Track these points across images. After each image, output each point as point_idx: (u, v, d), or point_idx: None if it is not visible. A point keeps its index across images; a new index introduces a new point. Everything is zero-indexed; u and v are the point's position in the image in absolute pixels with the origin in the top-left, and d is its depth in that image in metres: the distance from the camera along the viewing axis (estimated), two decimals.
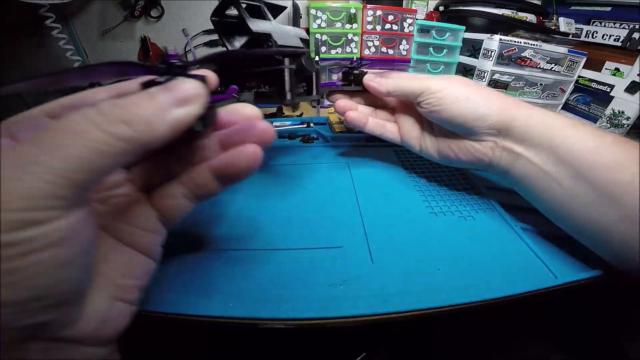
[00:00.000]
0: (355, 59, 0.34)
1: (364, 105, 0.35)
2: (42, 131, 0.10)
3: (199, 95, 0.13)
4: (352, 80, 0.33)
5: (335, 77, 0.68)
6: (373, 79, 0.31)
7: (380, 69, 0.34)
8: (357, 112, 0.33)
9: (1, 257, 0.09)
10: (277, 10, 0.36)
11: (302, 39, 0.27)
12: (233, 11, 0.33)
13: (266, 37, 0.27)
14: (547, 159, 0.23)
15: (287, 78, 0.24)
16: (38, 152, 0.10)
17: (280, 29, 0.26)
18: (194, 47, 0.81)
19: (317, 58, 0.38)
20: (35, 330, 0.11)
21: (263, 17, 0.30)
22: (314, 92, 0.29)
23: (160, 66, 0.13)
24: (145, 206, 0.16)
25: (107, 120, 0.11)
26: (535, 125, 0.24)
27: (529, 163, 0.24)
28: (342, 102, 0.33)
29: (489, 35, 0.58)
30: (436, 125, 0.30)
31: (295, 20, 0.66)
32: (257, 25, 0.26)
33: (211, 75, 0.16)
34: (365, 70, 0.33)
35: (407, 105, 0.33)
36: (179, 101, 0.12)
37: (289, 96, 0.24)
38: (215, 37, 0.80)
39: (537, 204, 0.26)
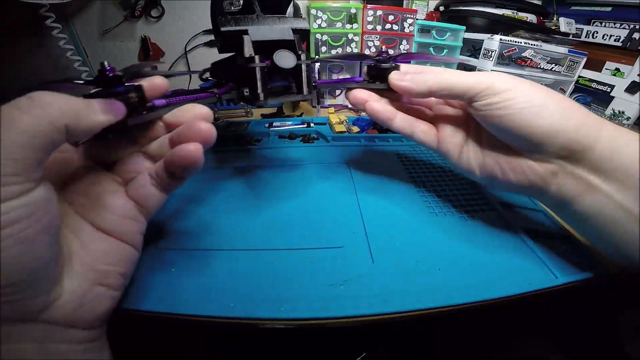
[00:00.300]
0: (383, 51, 0.27)
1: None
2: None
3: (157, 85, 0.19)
4: (377, 77, 0.27)
5: (335, 76, 0.68)
6: (403, 77, 0.25)
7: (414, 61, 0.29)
8: (382, 103, 0.27)
9: None
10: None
11: (295, 30, 0.24)
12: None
13: (239, 34, 0.23)
14: (637, 199, 0.18)
15: (258, 77, 0.22)
16: None
17: (263, 23, 0.24)
18: (195, 47, 0.81)
19: (317, 66, 0.36)
20: (15, 312, 0.13)
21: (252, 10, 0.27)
22: (304, 91, 0.25)
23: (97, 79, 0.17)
24: (123, 196, 0.19)
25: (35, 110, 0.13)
26: (625, 153, 0.19)
27: (606, 198, 0.19)
28: (360, 92, 0.27)
29: (489, 35, 0.58)
30: (488, 133, 0.24)
31: None
32: (228, 23, 0.23)
33: (157, 82, 0.19)
34: (397, 63, 0.27)
35: (450, 107, 0.28)
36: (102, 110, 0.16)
37: (261, 97, 0.22)
38: None
39: (605, 243, 0.22)
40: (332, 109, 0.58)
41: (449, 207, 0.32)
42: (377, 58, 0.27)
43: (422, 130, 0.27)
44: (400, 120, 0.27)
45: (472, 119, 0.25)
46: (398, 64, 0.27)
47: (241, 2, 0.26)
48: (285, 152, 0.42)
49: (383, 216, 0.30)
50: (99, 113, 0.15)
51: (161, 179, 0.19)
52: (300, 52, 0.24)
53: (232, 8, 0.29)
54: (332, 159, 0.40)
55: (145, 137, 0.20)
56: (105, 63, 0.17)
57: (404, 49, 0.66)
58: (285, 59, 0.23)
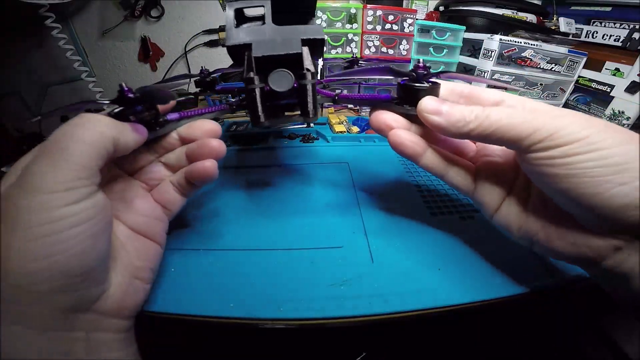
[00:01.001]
0: (422, 65, 0.21)
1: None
2: (56, 142, 0.15)
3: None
4: (407, 99, 0.21)
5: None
6: (438, 110, 0.19)
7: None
8: (409, 134, 0.21)
9: (59, 229, 0.14)
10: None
11: (306, 40, 0.21)
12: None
13: (244, 48, 0.21)
14: None
15: (257, 99, 0.21)
16: (58, 155, 0.14)
17: (271, 33, 0.21)
18: (194, 47, 0.81)
19: (320, 64, 0.32)
20: (76, 301, 0.15)
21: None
22: (310, 113, 0.22)
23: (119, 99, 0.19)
24: (151, 200, 0.22)
25: (92, 127, 0.16)
26: None
27: None
28: (384, 114, 0.22)
29: (489, 35, 0.58)
30: (538, 191, 0.19)
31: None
32: (237, 36, 0.21)
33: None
34: (435, 82, 0.21)
35: (495, 149, 0.22)
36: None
37: (261, 119, 0.21)
38: (215, 36, 0.80)
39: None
40: (332, 109, 0.58)
41: (448, 207, 0.32)
42: (411, 74, 0.21)
43: (456, 172, 0.22)
44: (431, 158, 0.21)
45: (521, 171, 0.20)
46: (437, 82, 0.21)
47: (262, 11, 0.23)
48: (285, 152, 0.42)
49: (383, 216, 0.30)
50: (132, 132, 0.18)
51: (182, 186, 0.22)
52: (306, 70, 0.21)
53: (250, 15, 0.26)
54: (332, 159, 0.40)
55: (162, 147, 0.23)
56: (124, 85, 0.19)
57: (403, 49, 0.66)
58: (280, 82, 0.20)
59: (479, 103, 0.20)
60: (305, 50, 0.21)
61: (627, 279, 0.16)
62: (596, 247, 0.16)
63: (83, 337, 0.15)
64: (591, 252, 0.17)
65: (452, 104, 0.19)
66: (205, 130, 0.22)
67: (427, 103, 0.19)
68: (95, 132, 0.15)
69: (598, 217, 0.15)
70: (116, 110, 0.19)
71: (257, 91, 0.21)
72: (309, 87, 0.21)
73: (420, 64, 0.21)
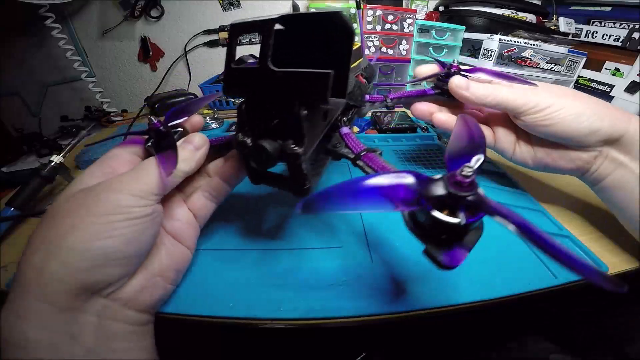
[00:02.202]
0: (453, 64, 0.30)
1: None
2: (144, 165, 0.19)
3: (206, 142, 0.22)
4: (441, 89, 0.31)
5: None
6: (467, 86, 0.28)
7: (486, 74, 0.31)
8: (446, 115, 0.31)
9: (118, 219, 0.17)
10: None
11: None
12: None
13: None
14: None
15: (244, 162, 0.19)
16: (143, 174, 0.19)
17: (265, 84, 0.17)
18: (194, 47, 0.81)
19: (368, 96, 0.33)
20: (106, 283, 0.17)
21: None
22: (299, 191, 0.19)
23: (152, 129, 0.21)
24: (185, 207, 0.24)
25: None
26: None
27: (629, 173, 0.24)
28: (423, 104, 0.32)
29: (489, 35, 0.58)
30: (534, 135, 0.28)
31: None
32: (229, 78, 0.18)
33: (195, 121, 0.25)
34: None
35: (501, 113, 0.31)
36: (196, 148, 0.22)
37: (250, 178, 0.21)
38: (215, 37, 0.80)
39: (622, 212, 0.26)
40: None
41: None
42: (447, 71, 0.30)
43: None
44: None
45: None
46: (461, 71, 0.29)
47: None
48: None
49: (382, 216, 0.30)
50: (197, 161, 0.22)
51: (213, 190, 0.24)
52: (293, 145, 0.16)
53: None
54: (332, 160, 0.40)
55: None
56: (153, 119, 0.21)
57: (403, 49, 0.66)
58: (258, 158, 0.17)
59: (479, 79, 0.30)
60: (303, 115, 0.16)
61: (604, 177, 0.26)
62: (583, 158, 0.26)
63: (94, 322, 0.16)
64: (581, 162, 0.26)
65: (475, 82, 0.29)
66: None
67: (458, 80, 0.29)
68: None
69: (575, 142, 0.26)
70: (151, 142, 0.21)
71: (241, 154, 0.19)
72: (300, 164, 0.17)
73: (453, 65, 0.30)
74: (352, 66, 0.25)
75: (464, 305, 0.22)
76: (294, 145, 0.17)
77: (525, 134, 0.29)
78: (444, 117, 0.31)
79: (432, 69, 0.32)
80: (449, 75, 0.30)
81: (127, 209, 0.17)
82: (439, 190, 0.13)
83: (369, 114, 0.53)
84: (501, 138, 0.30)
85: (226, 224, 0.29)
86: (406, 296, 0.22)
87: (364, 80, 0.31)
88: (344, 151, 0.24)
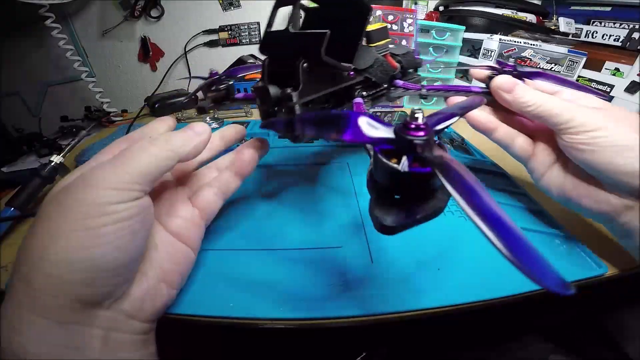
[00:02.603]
0: (507, 63, 0.27)
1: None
2: (125, 151, 0.17)
3: (207, 131, 0.20)
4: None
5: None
6: (509, 88, 0.25)
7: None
8: (485, 113, 0.28)
9: (103, 223, 0.15)
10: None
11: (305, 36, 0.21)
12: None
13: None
14: None
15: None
16: (123, 161, 0.16)
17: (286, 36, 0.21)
18: (194, 47, 0.81)
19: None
20: (99, 296, 0.15)
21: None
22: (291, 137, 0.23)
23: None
24: (190, 205, 0.22)
25: (161, 144, 0.18)
26: None
27: None
28: (482, 115, 0.28)
29: (489, 35, 0.58)
30: (573, 163, 0.24)
31: (295, 21, 0.66)
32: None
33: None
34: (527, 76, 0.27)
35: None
36: (197, 133, 0.19)
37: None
38: (215, 37, 0.80)
39: None
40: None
41: (448, 207, 0.31)
42: (502, 70, 0.27)
43: (520, 145, 0.27)
44: (502, 133, 0.27)
45: None
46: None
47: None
48: (284, 153, 0.42)
49: None
50: (196, 140, 0.19)
51: (222, 185, 0.23)
52: (290, 89, 0.21)
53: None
54: (332, 159, 0.40)
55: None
56: (212, 69, 0.22)
57: None
58: (263, 97, 0.22)
59: (539, 89, 0.25)
60: (303, 67, 0.20)
61: (635, 234, 0.21)
62: (613, 204, 0.21)
63: (100, 334, 0.15)
64: (609, 208, 0.22)
65: (523, 86, 0.25)
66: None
67: (503, 80, 0.25)
68: (162, 150, 0.17)
69: (612, 181, 0.21)
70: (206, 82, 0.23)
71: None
72: (292, 107, 0.21)
73: (512, 64, 0.27)
74: (376, 44, 0.28)
75: (464, 305, 0.22)
76: (290, 90, 0.20)
77: (565, 159, 0.24)
78: (481, 115, 0.28)
79: (488, 72, 0.29)
80: (504, 72, 0.26)
81: (109, 207, 0.15)
82: (389, 133, 0.13)
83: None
84: (538, 155, 0.26)
85: (225, 224, 0.29)
86: (406, 296, 0.22)
87: (396, 64, 0.31)
88: None
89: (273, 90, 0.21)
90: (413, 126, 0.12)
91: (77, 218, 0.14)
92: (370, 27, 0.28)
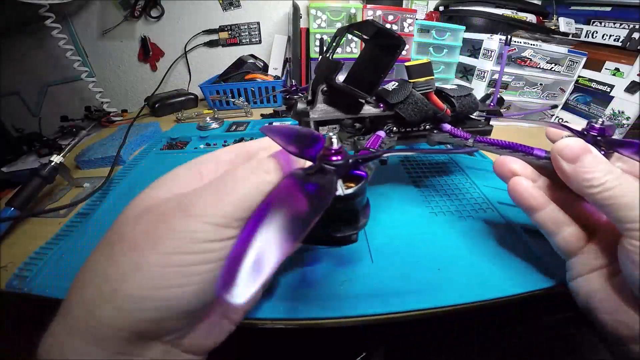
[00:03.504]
0: (594, 125, 0.20)
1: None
2: (226, 176, 0.15)
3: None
4: None
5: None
6: (575, 155, 0.18)
7: None
8: (532, 185, 0.21)
9: (194, 262, 0.13)
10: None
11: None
12: None
13: None
14: None
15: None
16: (227, 191, 0.14)
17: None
18: (194, 47, 0.81)
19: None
20: (159, 332, 0.14)
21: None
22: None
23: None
24: None
25: (259, 171, 0.15)
26: None
27: None
28: (512, 160, 0.22)
29: (489, 35, 0.58)
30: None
31: (295, 20, 0.66)
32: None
33: None
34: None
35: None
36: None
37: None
38: (215, 36, 0.80)
39: None
40: None
41: (448, 207, 0.32)
42: (582, 133, 0.20)
43: (567, 237, 0.20)
44: (547, 216, 0.20)
45: None
46: (610, 153, 0.19)
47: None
48: None
49: (382, 216, 0.30)
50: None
51: None
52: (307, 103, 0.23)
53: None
54: None
55: None
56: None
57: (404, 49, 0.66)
58: (292, 109, 0.25)
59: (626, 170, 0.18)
60: (322, 89, 0.26)
61: None
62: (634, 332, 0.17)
63: None
64: (629, 333, 0.17)
65: (596, 157, 0.17)
66: None
67: (566, 144, 0.18)
68: (263, 180, 0.15)
69: None
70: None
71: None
72: (299, 111, 0.26)
73: (597, 125, 0.19)
74: (415, 80, 0.27)
75: (464, 305, 0.22)
76: (306, 102, 0.24)
77: (617, 268, 0.18)
78: (526, 186, 0.20)
79: (521, 166, 0.22)
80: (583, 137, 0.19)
81: (205, 245, 0.13)
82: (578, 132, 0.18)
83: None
84: (586, 254, 0.20)
85: None
86: (406, 296, 0.22)
87: (442, 106, 0.28)
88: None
89: (300, 105, 0.26)
90: (594, 131, 0.15)
91: (168, 252, 0.13)
92: (414, 62, 0.27)
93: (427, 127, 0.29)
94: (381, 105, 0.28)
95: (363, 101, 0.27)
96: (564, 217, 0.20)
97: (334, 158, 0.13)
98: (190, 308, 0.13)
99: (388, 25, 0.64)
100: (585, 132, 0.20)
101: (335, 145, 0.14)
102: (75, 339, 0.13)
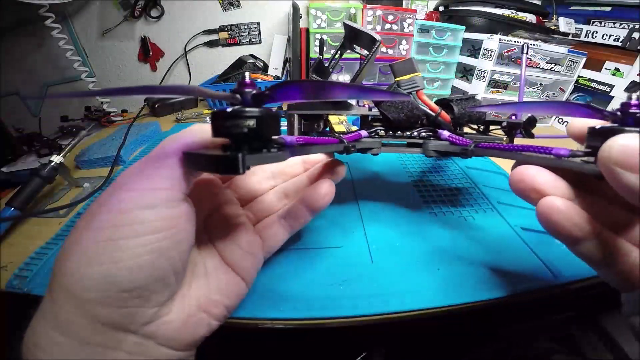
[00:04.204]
0: (637, 102, 0.14)
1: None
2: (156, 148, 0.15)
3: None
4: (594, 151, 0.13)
5: (335, 76, 0.68)
6: (635, 162, 0.11)
7: None
8: (573, 207, 0.15)
9: (125, 234, 0.13)
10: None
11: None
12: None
13: None
14: None
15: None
16: (153, 157, 0.14)
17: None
18: (194, 47, 0.81)
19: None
20: (122, 319, 0.13)
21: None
22: None
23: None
24: (252, 233, 0.20)
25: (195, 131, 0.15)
26: None
27: None
28: (539, 172, 0.15)
29: (488, 35, 0.58)
30: None
31: (295, 20, 0.66)
32: None
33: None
34: None
35: None
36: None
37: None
38: (215, 36, 0.80)
39: None
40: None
41: (448, 207, 0.32)
42: (616, 114, 0.14)
43: (626, 264, 0.15)
44: (593, 246, 0.15)
45: None
46: None
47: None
48: None
49: (382, 216, 0.30)
50: None
51: (290, 217, 0.21)
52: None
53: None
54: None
55: (284, 173, 0.23)
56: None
57: (403, 49, 0.66)
58: None
59: None
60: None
61: None
62: None
63: (125, 359, 0.14)
64: None
65: None
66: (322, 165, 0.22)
67: (625, 147, 0.12)
68: (197, 134, 0.15)
69: None
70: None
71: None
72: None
73: (635, 101, 0.13)
74: (399, 78, 0.26)
75: (464, 305, 0.22)
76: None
77: None
78: (563, 209, 0.15)
79: (550, 181, 0.15)
80: (612, 130, 0.13)
81: (134, 214, 0.13)
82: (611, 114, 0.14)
83: None
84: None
85: None
86: (406, 296, 0.22)
87: (435, 107, 0.26)
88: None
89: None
90: (634, 107, 0.13)
91: (99, 227, 0.13)
92: (397, 61, 0.26)
93: (423, 133, 0.26)
94: (364, 104, 0.28)
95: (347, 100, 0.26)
96: (619, 243, 0.15)
97: (247, 89, 0.14)
98: (132, 285, 0.13)
99: (388, 25, 0.64)
100: (621, 114, 0.14)
101: (247, 80, 0.14)
102: (46, 329, 0.13)
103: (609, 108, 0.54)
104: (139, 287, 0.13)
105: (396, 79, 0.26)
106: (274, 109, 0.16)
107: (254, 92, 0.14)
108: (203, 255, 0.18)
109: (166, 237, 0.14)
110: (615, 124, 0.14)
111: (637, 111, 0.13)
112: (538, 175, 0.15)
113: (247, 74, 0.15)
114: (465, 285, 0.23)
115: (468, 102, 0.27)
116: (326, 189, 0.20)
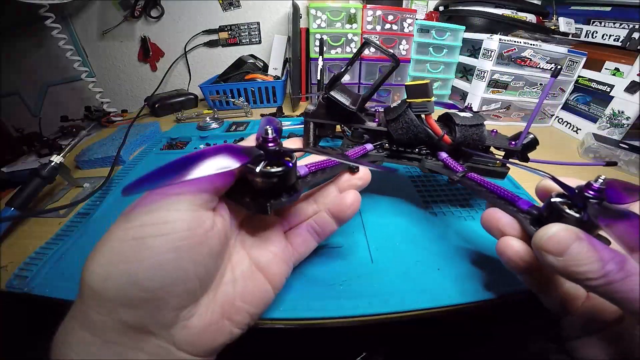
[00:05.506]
0: (597, 186, 0.15)
1: None
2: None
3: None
4: (550, 221, 0.16)
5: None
6: (563, 247, 0.15)
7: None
8: (523, 247, 0.18)
9: (150, 233, 0.13)
10: None
11: None
12: None
13: None
14: None
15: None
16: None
17: None
18: (194, 47, 0.81)
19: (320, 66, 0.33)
20: (143, 321, 0.14)
21: None
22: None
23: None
24: (283, 239, 0.21)
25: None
26: None
27: None
28: (503, 217, 0.19)
29: (488, 35, 0.58)
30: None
31: (295, 21, 0.66)
32: None
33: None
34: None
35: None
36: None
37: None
38: (215, 36, 0.80)
39: None
40: None
41: (448, 207, 0.32)
42: (574, 192, 0.16)
43: (558, 296, 0.19)
44: (537, 279, 0.19)
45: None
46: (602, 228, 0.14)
47: None
48: None
49: (382, 216, 0.30)
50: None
51: (319, 225, 0.21)
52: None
53: None
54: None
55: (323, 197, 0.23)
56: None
57: (403, 49, 0.66)
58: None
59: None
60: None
61: None
62: None
63: None
64: None
65: (587, 245, 0.14)
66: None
67: (549, 236, 0.15)
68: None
69: None
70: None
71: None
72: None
73: (596, 185, 0.15)
74: (411, 100, 0.26)
75: (464, 305, 0.22)
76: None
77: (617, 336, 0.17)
78: (517, 247, 0.18)
79: (510, 223, 0.19)
80: (570, 204, 0.16)
81: (162, 214, 0.14)
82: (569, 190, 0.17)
83: None
84: (585, 316, 0.18)
85: None
86: (406, 296, 0.22)
87: (439, 130, 0.26)
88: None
89: (309, 106, 0.29)
90: (592, 192, 0.15)
91: (127, 227, 0.14)
92: (412, 82, 0.26)
93: (424, 151, 0.28)
94: (376, 120, 0.29)
95: (356, 112, 0.27)
96: (554, 277, 0.19)
97: (270, 145, 0.16)
98: (153, 286, 0.13)
99: (388, 25, 0.64)
100: (578, 191, 0.16)
101: (270, 136, 0.16)
102: (74, 327, 0.14)
103: (608, 108, 0.54)
104: (159, 288, 0.14)
105: (408, 100, 0.26)
106: (292, 160, 0.18)
107: (277, 148, 0.17)
108: (233, 261, 0.18)
109: (189, 238, 0.14)
110: (569, 201, 0.16)
111: (591, 196, 0.15)
112: (501, 219, 0.19)
113: (269, 130, 0.16)
114: (465, 285, 0.23)
115: (471, 129, 0.27)
116: (352, 198, 0.21)
